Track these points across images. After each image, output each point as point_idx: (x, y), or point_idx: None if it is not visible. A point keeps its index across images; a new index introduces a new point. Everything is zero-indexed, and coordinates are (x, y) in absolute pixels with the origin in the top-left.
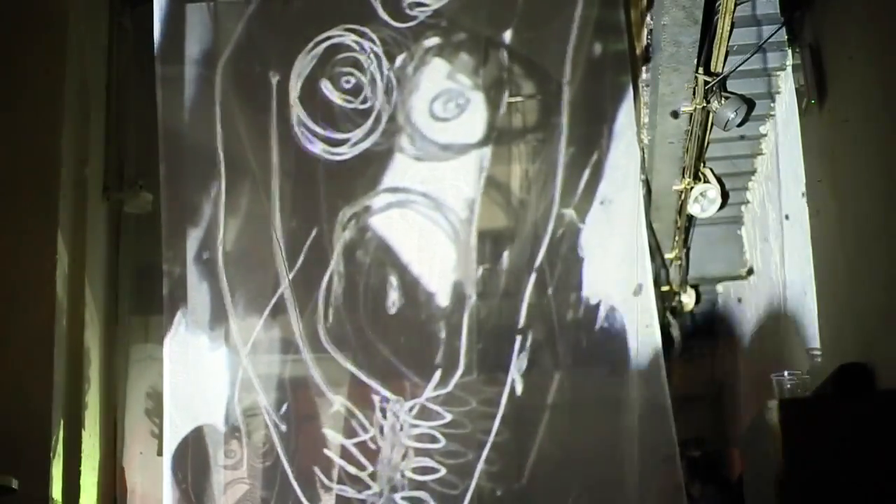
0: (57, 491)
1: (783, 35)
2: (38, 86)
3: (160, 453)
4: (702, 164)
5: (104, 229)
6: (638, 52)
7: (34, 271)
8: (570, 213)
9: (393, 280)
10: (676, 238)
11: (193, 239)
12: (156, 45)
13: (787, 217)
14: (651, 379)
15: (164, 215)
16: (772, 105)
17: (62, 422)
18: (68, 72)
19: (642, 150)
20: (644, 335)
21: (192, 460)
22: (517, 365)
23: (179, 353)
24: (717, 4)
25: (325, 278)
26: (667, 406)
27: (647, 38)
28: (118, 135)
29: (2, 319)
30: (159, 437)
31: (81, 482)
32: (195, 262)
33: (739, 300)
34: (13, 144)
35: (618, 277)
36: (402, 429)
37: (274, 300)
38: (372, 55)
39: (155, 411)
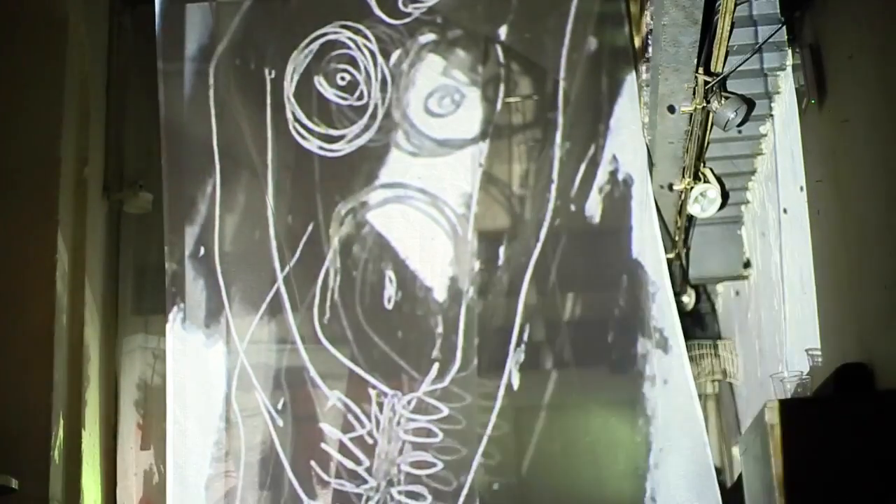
0: (57, 491)
1: (783, 35)
2: (38, 86)
3: (143, 447)
4: (702, 164)
5: (104, 229)
6: (637, 46)
7: (34, 271)
8: (567, 207)
9: (390, 275)
10: (676, 238)
11: (191, 235)
12: (157, 44)
13: (784, 211)
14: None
15: (166, 210)
16: (771, 105)
17: (62, 421)
18: (68, 72)
19: (646, 143)
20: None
21: (190, 454)
22: (514, 359)
23: (179, 349)
24: (717, 5)
25: (322, 273)
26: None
27: (647, 38)
28: (118, 135)
29: (2, 319)
30: (144, 428)
31: (81, 482)
32: (192, 258)
33: (737, 294)
34: (13, 144)
35: (621, 273)
36: (399, 423)
37: (270, 296)
38: (367, 52)
39: (142, 402)
